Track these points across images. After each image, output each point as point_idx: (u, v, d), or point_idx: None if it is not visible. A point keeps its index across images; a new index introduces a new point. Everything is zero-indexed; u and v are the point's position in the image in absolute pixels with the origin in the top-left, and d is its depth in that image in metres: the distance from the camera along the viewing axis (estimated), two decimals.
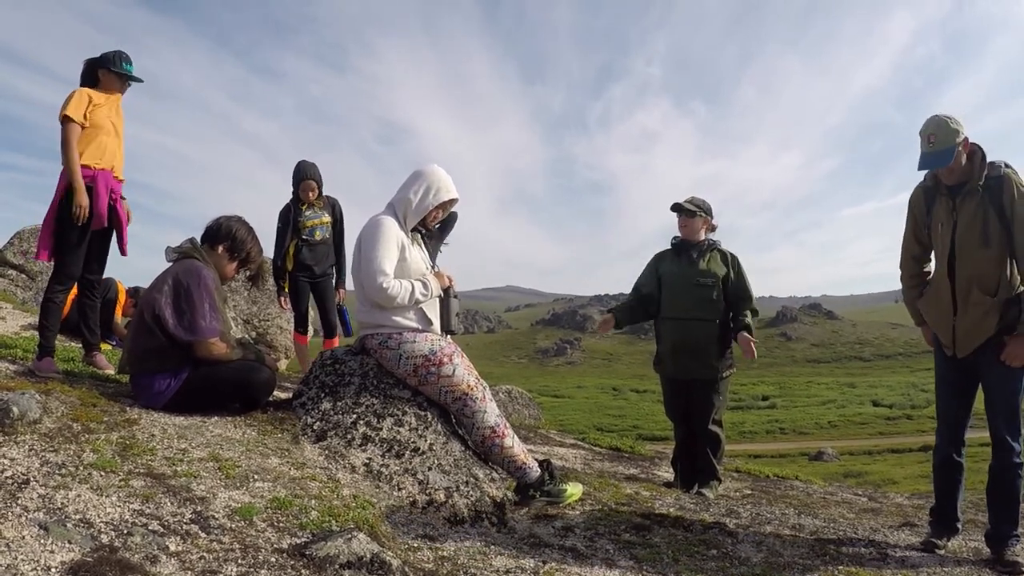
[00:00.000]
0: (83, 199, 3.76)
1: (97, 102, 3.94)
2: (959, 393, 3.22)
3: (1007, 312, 2.98)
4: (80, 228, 3.83)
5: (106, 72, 4.05)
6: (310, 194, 5.62)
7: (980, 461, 3.33)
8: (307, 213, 5.63)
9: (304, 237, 5.60)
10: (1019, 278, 3.01)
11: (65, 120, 3.82)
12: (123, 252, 4.24)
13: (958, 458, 3.25)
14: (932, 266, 3.36)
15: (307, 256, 5.61)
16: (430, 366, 3.20)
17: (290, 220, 5.60)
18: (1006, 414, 3.03)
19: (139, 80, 4.18)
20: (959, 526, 3.32)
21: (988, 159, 3.03)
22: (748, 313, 4.42)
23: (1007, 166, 3.03)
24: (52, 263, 3.90)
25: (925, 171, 3.15)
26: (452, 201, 3.40)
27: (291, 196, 5.67)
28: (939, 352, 3.27)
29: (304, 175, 5.59)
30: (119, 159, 4.08)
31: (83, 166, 3.85)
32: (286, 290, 5.72)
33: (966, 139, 3.00)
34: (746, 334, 4.32)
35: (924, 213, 3.23)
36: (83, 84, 4.04)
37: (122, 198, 4.12)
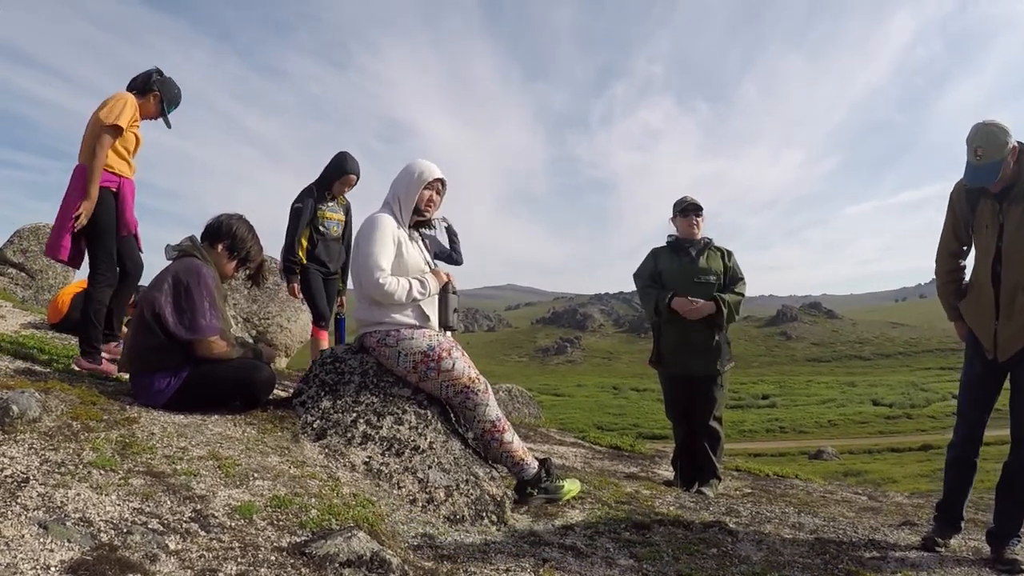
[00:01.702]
0: (91, 208, 3.80)
1: (137, 115, 3.99)
2: (987, 394, 3.18)
3: None
4: (112, 234, 3.91)
5: (157, 99, 4.09)
6: (345, 188, 5.46)
7: (981, 459, 3.33)
8: (330, 204, 5.44)
9: (321, 229, 5.38)
10: None
11: (115, 129, 3.84)
12: None
13: (973, 458, 3.23)
14: (968, 263, 3.31)
15: (322, 252, 5.40)
16: (429, 362, 3.20)
17: (311, 205, 5.30)
18: None
19: (168, 126, 4.21)
20: (962, 525, 3.31)
21: None
22: (736, 287, 4.50)
23: None
24: (64, 262, 3.93)
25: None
26: (441, 182, 3.42)
27: (316, 182, 5.39)
28: (974, 352, 3.21)
29: (349, 169, 5.37)
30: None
31: (113, 173, 3.92)
32: (298, 274, 5.35)
33: (1014, 146, 2.92)
34: (719, 302, 4.36)
35: (966, 211, 3.16)
36: (134, 88, 4.04)
37: None
